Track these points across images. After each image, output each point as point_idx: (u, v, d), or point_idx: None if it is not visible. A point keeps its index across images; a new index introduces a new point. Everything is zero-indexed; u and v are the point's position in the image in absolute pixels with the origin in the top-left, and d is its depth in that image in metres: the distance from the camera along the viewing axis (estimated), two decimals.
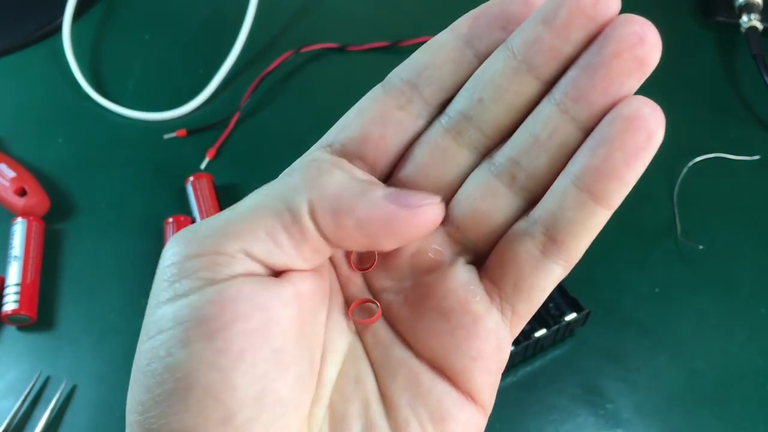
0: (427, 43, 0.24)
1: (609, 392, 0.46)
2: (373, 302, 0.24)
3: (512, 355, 0.44)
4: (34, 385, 0.46)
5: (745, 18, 0.58)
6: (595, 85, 0.21)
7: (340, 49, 0.60)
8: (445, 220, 0.23)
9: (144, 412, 0.20)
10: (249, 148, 0.57)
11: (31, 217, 0.51)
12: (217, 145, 0.56)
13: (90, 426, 0.45)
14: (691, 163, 0.53)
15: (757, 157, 0.54)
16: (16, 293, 0.48)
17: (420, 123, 0.24)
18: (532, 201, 0.23)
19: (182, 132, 0.57)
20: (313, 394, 0.22)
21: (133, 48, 0.62)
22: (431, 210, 0.21)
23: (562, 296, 0.47)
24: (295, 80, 0.59)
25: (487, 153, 0.24)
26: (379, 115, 0.24)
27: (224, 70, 0.59)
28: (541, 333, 0.44)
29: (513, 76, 0.22)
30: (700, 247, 0.51)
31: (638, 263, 0.50)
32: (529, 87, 0.22)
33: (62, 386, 0.46)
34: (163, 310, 0.20)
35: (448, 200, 0.24)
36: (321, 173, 0.21)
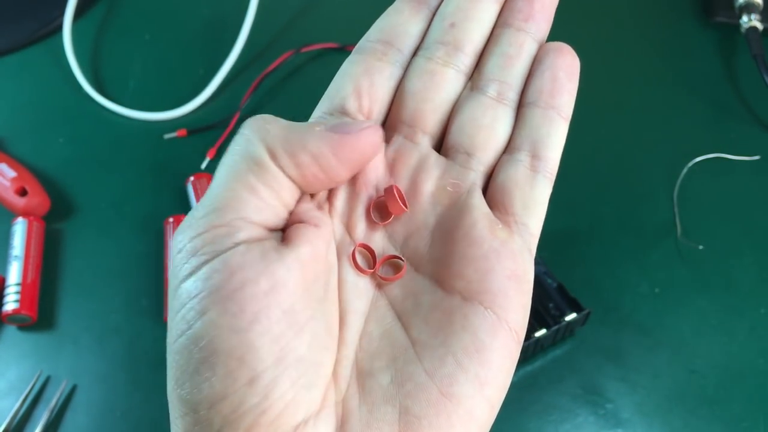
0: (384, 13, 0.28)
1: (609, 392, 0.46)
2: (398, 258, 0.25)
3: None
4: (34, 384, 0.46)
5: (745, 18, 0.58)
6: (533, 3, 0.27)
7: (340, 49, 0.60)
8: (455, 150, 0.26)
9: (180, 387, 0.21)
10: None
11: (32, 217, 0.51)
12: (217, 144, 0.56)
13: (90, 426, 0.45)
14: (691, 163, 0.53)
15: (757, 157, 0.54)
16: (17, 293, 0.48)
17: (400, 70, 0.27)
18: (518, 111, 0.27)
19: (183, 132, 0.57)
20: (335, 354, 0.23)
21: (134, 48, 0.62)
22: (371, 132, 0.24)
23: (562, 296, 0.47)
24: (295, 80, 0.59)
25: (469, 73, 0.27)
26: (362, 69, 0.26)
27: (225, 70, 0.59)
28: (541, 333, 0.44)
29: (474, 0, 0.27)
30: (700, 247, 0.51)
31: (638, 263, 0.50)
32: (489, 5, 0.27)
33: (62, 386, 0.46)
34: (179, 289, 0.21)
35: (447, 123, 0.26)
36: (266, 122, 0.23)
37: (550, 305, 0.47)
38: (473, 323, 0.23)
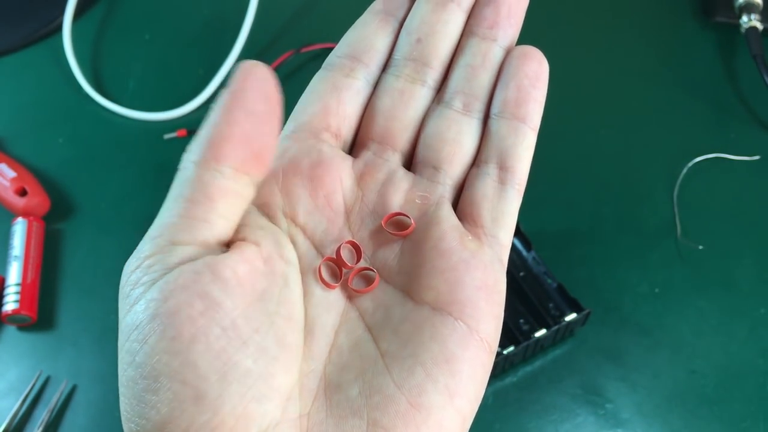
0: (352, 26, 0.27)
1: (609, 392, 0.46)
2: (369, 269, 0.25)
3: (512, 355, 0.44)
4: (34, 384, 0.46)
5: (745, 18, 0.58)
6: (499, 9, 0.27)
7: None
8: (422, 164, 0.26)
9: (130, 421, 0.21)
10: None
11: (32, 217, 0.51)
12: None
13: (90, 426, 0.45)
14: (691, 163, 0.54)
15: (757, 157, 0.54)
16: (17, 293, 0.48)
17: (369, 86, 0.27)
18: (486, 122, 0.27)
19: (183, 132, 0.57)
20: (292, 367, 0.22)
21: (134, 48, 0.62)
22: (251, 68, 0.23)
23: (562, 296, 0.47)
24: (295, 80, 0.59)
25: (438, 87, 0.27)
26: (330, 86, 0.26)
27: (225, 70, 0.59)
28: (541, 333, 0.44)
29: (440, 11, 0.27)
30: (700, 247, 0.51)
31: (638, 263, 0.50)
32: (455, 15, 0.27)
33: (62, 386, 0.46)
34: (122, 325, 0.21)
35: (416, 139, 0.27)
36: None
37: (550, 305, 0.47)
38: (443, 334, 0.22)
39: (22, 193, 0.52)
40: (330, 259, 0.24)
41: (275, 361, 0.21)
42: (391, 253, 0.25)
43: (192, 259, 0.21)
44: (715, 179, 0.54)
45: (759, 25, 0.58)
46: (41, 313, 0.49)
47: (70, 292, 0.50)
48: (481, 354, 0.23)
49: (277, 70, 0.59)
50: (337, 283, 0.24)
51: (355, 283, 0.24)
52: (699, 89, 0.59)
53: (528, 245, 0.49)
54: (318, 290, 0.24)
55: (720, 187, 0.53)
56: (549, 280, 0.48)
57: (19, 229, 0.51)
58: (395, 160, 0.26)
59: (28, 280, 0.49)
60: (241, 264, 0.22)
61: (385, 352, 0.23)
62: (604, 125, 0.57)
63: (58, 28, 0.62)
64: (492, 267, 0.24)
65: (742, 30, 0.58)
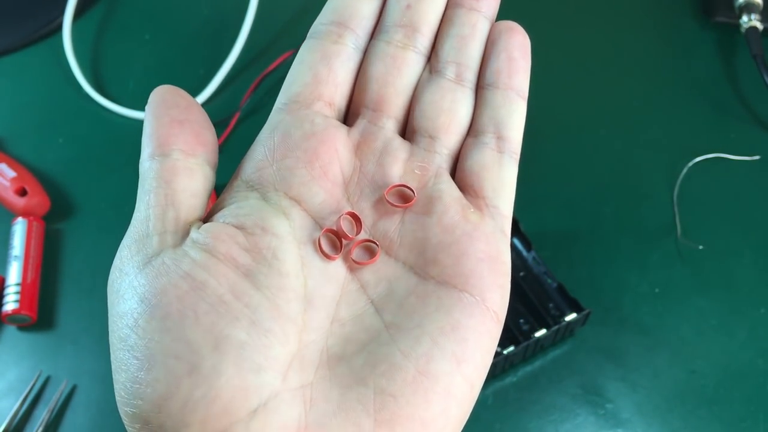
0: None
1: (609, 392, 0.46)
2: (371, 242, 0.24)
3: (512, 355, 0.44)
4: (34, 384, 0.46)
5: (745, 18, 0.58)
6: None
7: None
8: (418, 134, 0.26)
9: (126, 405, 0.21)
10: None
11: (32, 217, 0.51)
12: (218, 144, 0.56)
13: (90, 426, 0.45)
14: (691, 163, 0.54)
15: (757, 157, 0.54)
16: (17, 293, 0.48)
17: (358, 53, 0.27)
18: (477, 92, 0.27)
19: None
20: (289, 338, 0.22)
21: (134, 48, 0.62)
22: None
23: (562, 296, 0.47)
24: None
25: (428, 54, 0.27)
26: (320, 55, 0.26)
27: (224, 70, 0.59)
28: (541, 333, 0.44)
29: None
30: (700, 247, 0.51)
31: (638, 263, 0.50)
32: None
33: (62, 386, 0.46)
34: (112, 316, 0.22)
35: (409, 107, 0.27)
36: None
37: (550, 305, 0.47)
38: (447, 305, 0.23)
39: (22, 193, 0.52)
40: (330, 231, 0.24)
41: (270, 332, 0.21)
42: (392, 225, 0.25)
43: (172, 246, 0.22)
44: (715, 179, 0.54)
45: (759, 25, 0.58)
46: (41, 313, 0.49)
47: (70, 292, 0.50)
48: (488, 322, 0.23)
49: (277, 70, 0.59)
50: (337, 254, 0.24)
51: (356, 255, 0.24)
52: (699, 89, 0.59)
53: (528, 245, 0.49)
54: (318, 262, 0.24)
55: (720, 187, 0.53)
56: (549, 280, 0.48)
57: (19, 229, 0.51)
58: (390, 127, 0.26)
59: (28, 280, 0.49)
60: (219, 243, 0.22)
61: (390, 323, 0.23)
62: (604, 125, 0.57)
63: (58, 28, 0.62)
64: (494, 237, 0.24)
65: (742, 30, 0.58)
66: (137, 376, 0.20)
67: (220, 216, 0.24)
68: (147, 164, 0.25)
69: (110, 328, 0.22)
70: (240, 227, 0.23)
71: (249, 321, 0.21)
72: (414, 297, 0.23)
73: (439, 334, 0.22)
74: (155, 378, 0.20)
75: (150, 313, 0.21)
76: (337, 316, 0.23)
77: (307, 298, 0.23)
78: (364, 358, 0.22)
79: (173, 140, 0.24)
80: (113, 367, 0.21)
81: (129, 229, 0.24)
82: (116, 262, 0.23)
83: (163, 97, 0.25)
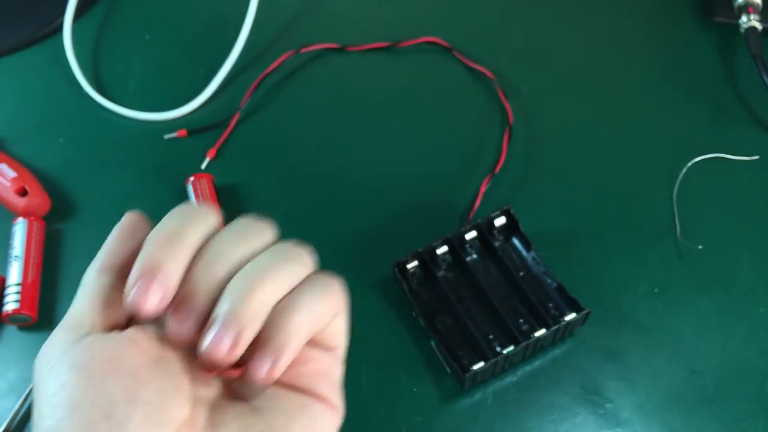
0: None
1: (608, 392, 0.46)
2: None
3: (512, 355, 0.44)
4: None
5: (744, 18, 0.58)
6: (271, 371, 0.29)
7: (340, 50, 0.60)
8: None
9: None
10: (249, 148, 0.57)
11: (32, 217, 0.51)
12: (217, 145, 0.56)
13: None
14: (690, 163, 0.54)
15: (757, 157, 0.54)
16: (17, 293, 0.48)
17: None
18: None
19: (183, 132, 0.57)
20: (184, 405, 0.26)
21: (134, 48, 0.62)
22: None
23: (562, 296, 0.47)
24: (295, 80, 0.59)
25: None
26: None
27: (225, 70, 0.59)
28: (540, 333, 0.44)
29: None
30: (700, 247, 0.51)
31: (638, 263, 0.50)
32: None
33: None
34: (39, 393, 0.26)
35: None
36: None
37: (550, 305, 0.47)
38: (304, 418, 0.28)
39: (23, 193, 0.52)
40: None
41: (170, 400, 0.26)
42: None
43: (103, 332, 0.27)
44: (714, 179, 0.54)
45: (758, 25, 0.58)
46: (42, 313, 0.49)
47: (70, 292, 0.50)
48: (333, 420, 0.29)
49: (277, 70, 0.59)
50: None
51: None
52: (698, 89, 0.59)
53: (528, 245, 0.49)
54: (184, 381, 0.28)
55: (719, 187, 0.53)
56: (549, 280, 0.48)
57: (20, 229, 0.51)
58: None
59: (29, 280, 0.49)
60: (138, 333, 0.27)
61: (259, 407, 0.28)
62: (604, 125, 0.57)
63: (59, 29, 0.62)
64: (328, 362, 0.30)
65: (742, 30, 0.58)
66: (61, 423, 0.24)
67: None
68: (92, 275, 0.29)
69: (36, 404, 0.25)
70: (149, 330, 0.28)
71: (155, 388, 0.26)
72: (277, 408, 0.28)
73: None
74: (76, 423, 0.24)
75: (78, 374, 0.25)
76: (211, 417, 0.28)
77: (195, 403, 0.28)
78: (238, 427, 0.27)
79: (109, 268, 0.29)
80: (35, 420, 0.25)
81: (62, 321, 0.28)
82: (47, 343, 0.27)
83: (127, 226, 0.31)
